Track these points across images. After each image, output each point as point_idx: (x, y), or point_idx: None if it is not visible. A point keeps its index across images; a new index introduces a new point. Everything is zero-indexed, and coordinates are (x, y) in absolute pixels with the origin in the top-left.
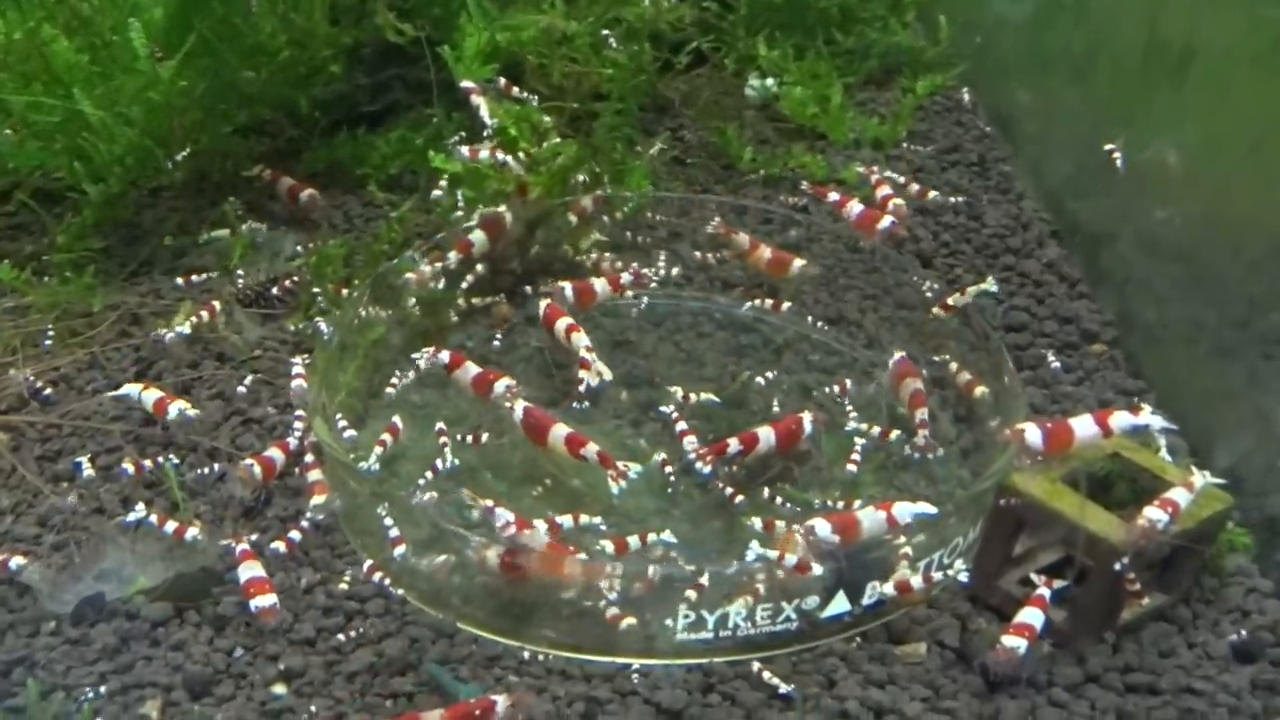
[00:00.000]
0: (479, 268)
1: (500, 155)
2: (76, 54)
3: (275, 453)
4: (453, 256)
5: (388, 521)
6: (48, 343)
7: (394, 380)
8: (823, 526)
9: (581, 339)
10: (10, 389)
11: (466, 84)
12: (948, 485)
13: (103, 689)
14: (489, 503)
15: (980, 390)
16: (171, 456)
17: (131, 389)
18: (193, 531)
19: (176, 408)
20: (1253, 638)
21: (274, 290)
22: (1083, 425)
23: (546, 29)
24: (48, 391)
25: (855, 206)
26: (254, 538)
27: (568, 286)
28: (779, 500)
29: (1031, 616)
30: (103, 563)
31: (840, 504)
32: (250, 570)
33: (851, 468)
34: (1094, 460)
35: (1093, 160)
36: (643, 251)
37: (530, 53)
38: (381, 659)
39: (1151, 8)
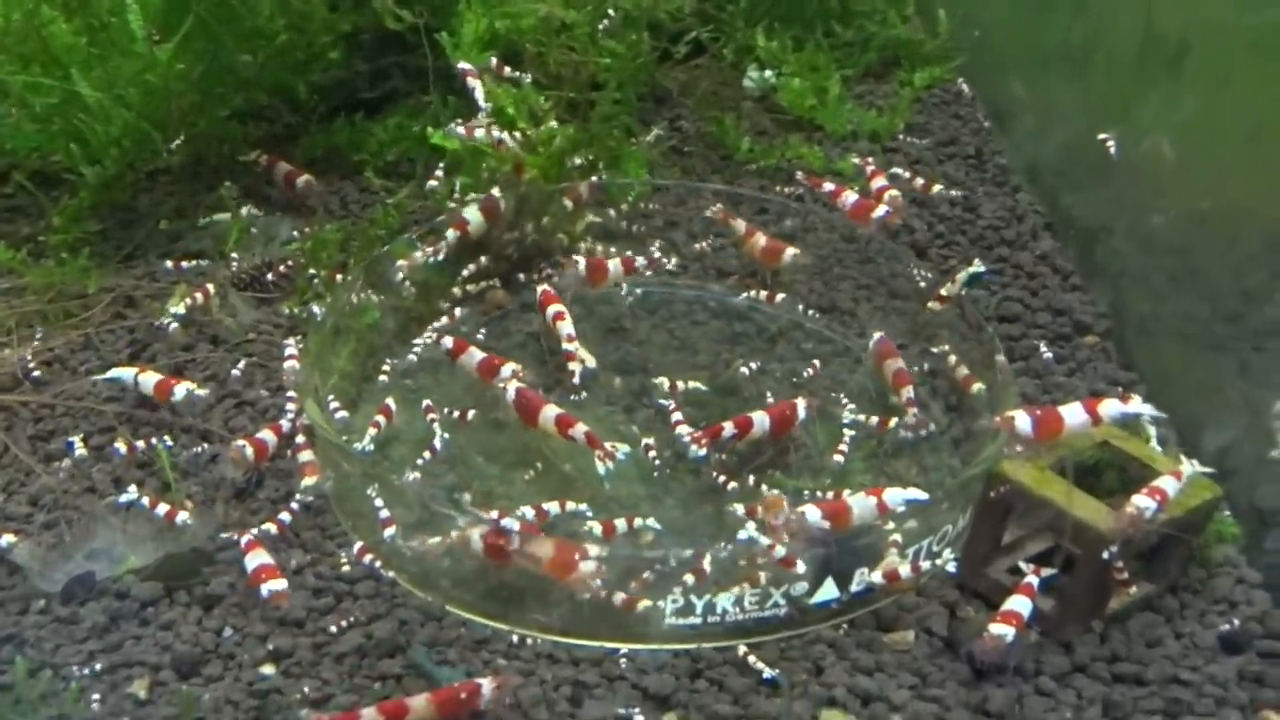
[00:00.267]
0: (480, 261)
1: (496, 133)
2: (74, 36)
3: (267, 434)
4: (450, 235)
5: (378, 503)
6: (38, 337)
7: (386, 365)
8: (813, 512)
9: (566, 327)
10: (4, 369)
11: (463, 65)
12: (939, 473)
13: (102, 667)
14: (494, 513)
15: (977, 386)
16: (165, 438)
17: (124, 372)
18: (183, 515)
19: (184, 388)
20: (1240, 628)
21: (269, 276)
22: (1072, 413)
23: (545, 17)
24: (36, 373)
25: (850, 196)
26: (255, 530)
27: (581, 261)
28: (764, 488)
29: (1019, 604)
30: (93, 542)
31: (830, 493)
32: (258, 558)
33: (839, 458)
34: (1083, 449)
35: (1088, 154)
36: (637, 240)
37: (529, 40)
38: (370, 641)
39: (1148, 2)
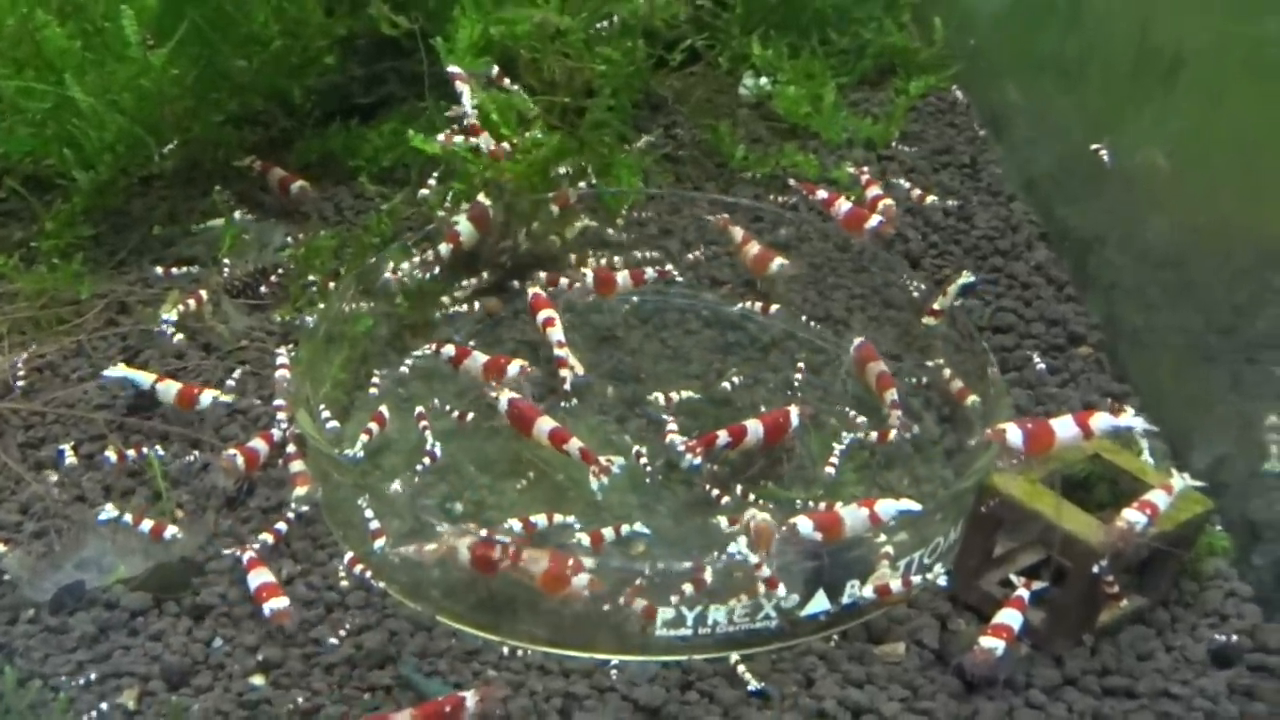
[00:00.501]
0: (479, 275)
1: (474, 139)
2: (68, 40)
3: (259, 443)
4: (443, 248)
5: (369, 513)
6: (30, 345)
7: (377, 375)
8: (805, 524)
9: (556, 333)
10: None
11: (453, 69)
12: (931, 485)
13: (91, 677)
14: (481, 530)
15: (972, 399)
16: (157, 447)
17: (139, 376)
18: (171, 530)
19: (209, 395)
20: (1232, 642)
21: (262, 288)
22: (1064, 426)
23: (540, 23)
24: (20, 382)
25: (843, 204)
26: (256, 547)
27: (589, 274)
28: (752, 498)
29: (1010, 618)
30: (83, 551)
31: (822, 503)
32: (260, 577)
33: (830, 470)
34: (1074, 462)
35: (1082, 165)
36: (627, 249)
37: (524, 47)
38: (360, 651)
39: (1143, 14)
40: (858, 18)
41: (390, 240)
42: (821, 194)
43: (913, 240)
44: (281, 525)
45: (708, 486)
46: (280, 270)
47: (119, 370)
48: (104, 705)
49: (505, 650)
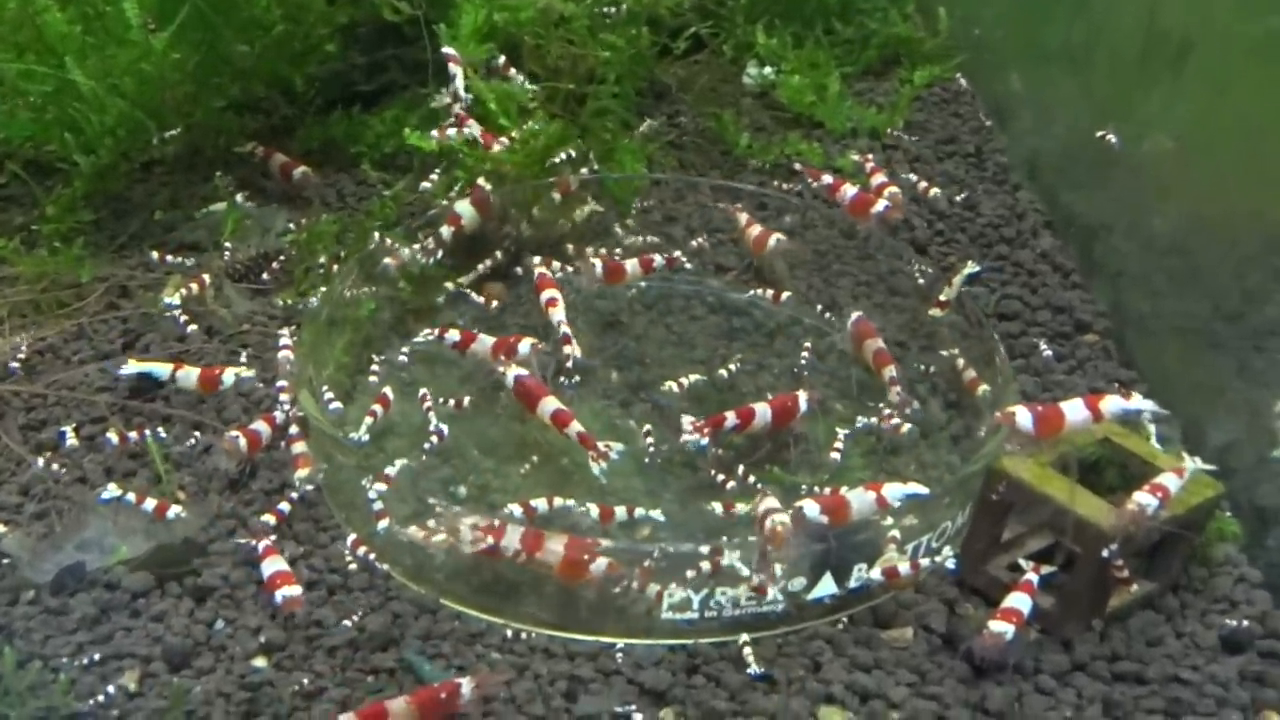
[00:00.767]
0: (488, 259)
1: (467, 130)
2: (69, 25)
3: (261, 425)
4: (445, 231)
5: (372, 495)
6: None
7: (377, 359)
8: (812, 507)
9: (558, 314)
10: None
11: (448, 50)
12: (937, 470)
13: (94, 657)
14: (489, 536)
15: (983, 388)
16: (159, 429)
17: (157, 367)
18: (175, 509)
19: (232, 374)
20: (1243, 628)
21: (264, 275)
22: (1073, 409)
23: (544, 9)
24: (15, 364)
25: (849, 190)
26: (261, 523)
27: (598, 263)
28: (753, 480)
29: (1019, 602)
30: (84, 532)
31: (827, 488)
32: (274, 565)
33: (835, 455)
34: (1084, 445)
35: (1088, 152)
36: (634, 234)
37: (527, 33)
38: (363, 634)
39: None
40: (862, 8)
41: (393, 225)
42: (827, 179)
43: (918, 228)
44: (284, 506)
45: (713, 471)
46: (282, 255)
47: (133, 366)
48: (106, 687)
49: (509, 633)
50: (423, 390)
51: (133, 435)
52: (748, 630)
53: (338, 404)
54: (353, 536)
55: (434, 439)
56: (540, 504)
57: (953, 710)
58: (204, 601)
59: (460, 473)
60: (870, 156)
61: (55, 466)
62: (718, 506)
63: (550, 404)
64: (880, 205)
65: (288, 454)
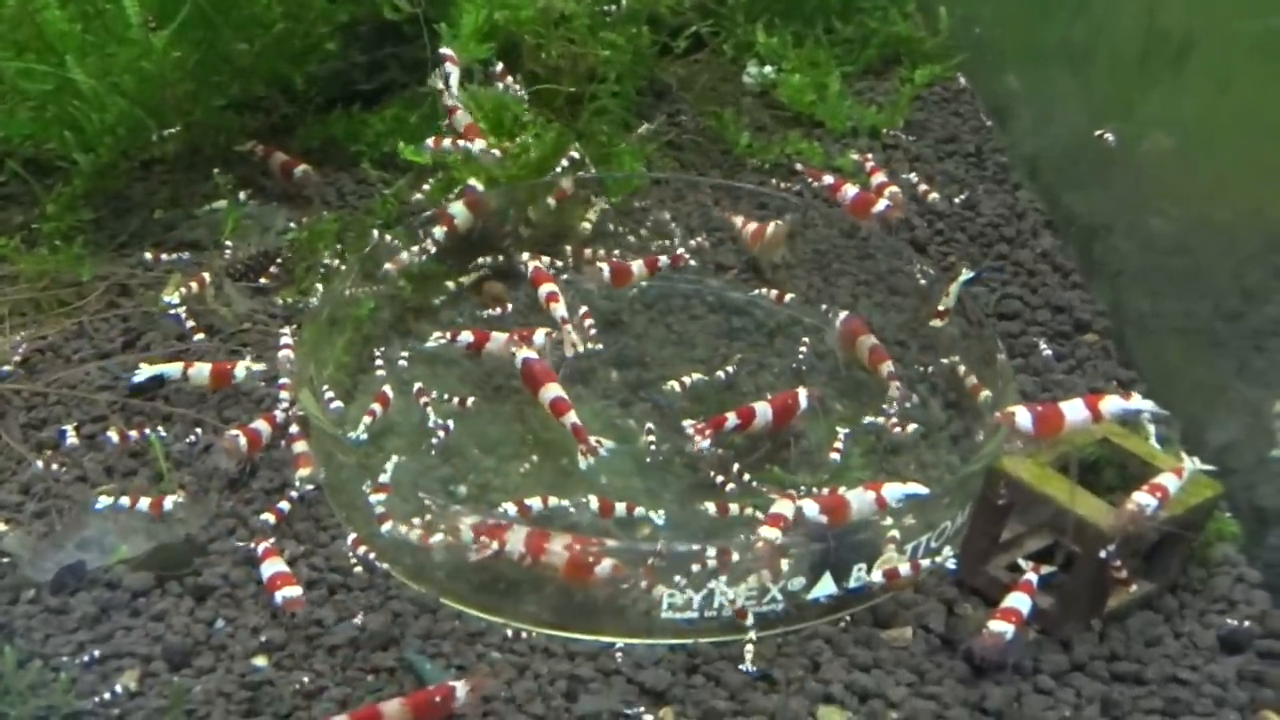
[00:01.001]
0: (485, 258)
1: (463, 143)
2: (69, 23)
3: (261, 425)
4: (438, 232)
5: (373, 499)
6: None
7: (379, 354)
8: (811, 507)
9: (560, 309)
10: None
11: (445, 50)
12: (937, 470)
13: (95, 654)
14: (494, 544)
15: (985, 394)
16: (159, 428)
17: (168, 368)
18: (171, 500)
19: (243, 368)
20: (1242, 628)
21: (265, 275)
22: (1073, 409)
23: (545, 8)
24: (11, 362)
25: (850, 190)
26: (260, 522)
27: (605, 267)
28: (752, 480)
29: (1019, 601)
30: (85, 531)
31: (825, 488)
32: (274, 566)
33: (835, 455)
34: (1083, 445)
35: (1089, 152)
36: (629, 235)
37: (527, 32)
38: (363, 633)
39: None
40: (863, 6)
41: (393, 223)
42: (828, 179)
43: (919, 228)
44: (284, 504)
45: (712, 473)
46: (282, 254)
47: (147, 370)
48: (108, 685)
49: (509, 632)
50: (418, 385)
51: (133, 434)
52: (747, 631)
53: (339, 403)
54: (353, 536)
55: (440, 434)
56: (535, 503)
57: (952, 710)
58: (204, 601)
59: (461, 472)
60: (870, 156)
61: (55, 465)
62: (711, 507)
63: (552, 390)
64: (881, 205)
65: (288, 453)
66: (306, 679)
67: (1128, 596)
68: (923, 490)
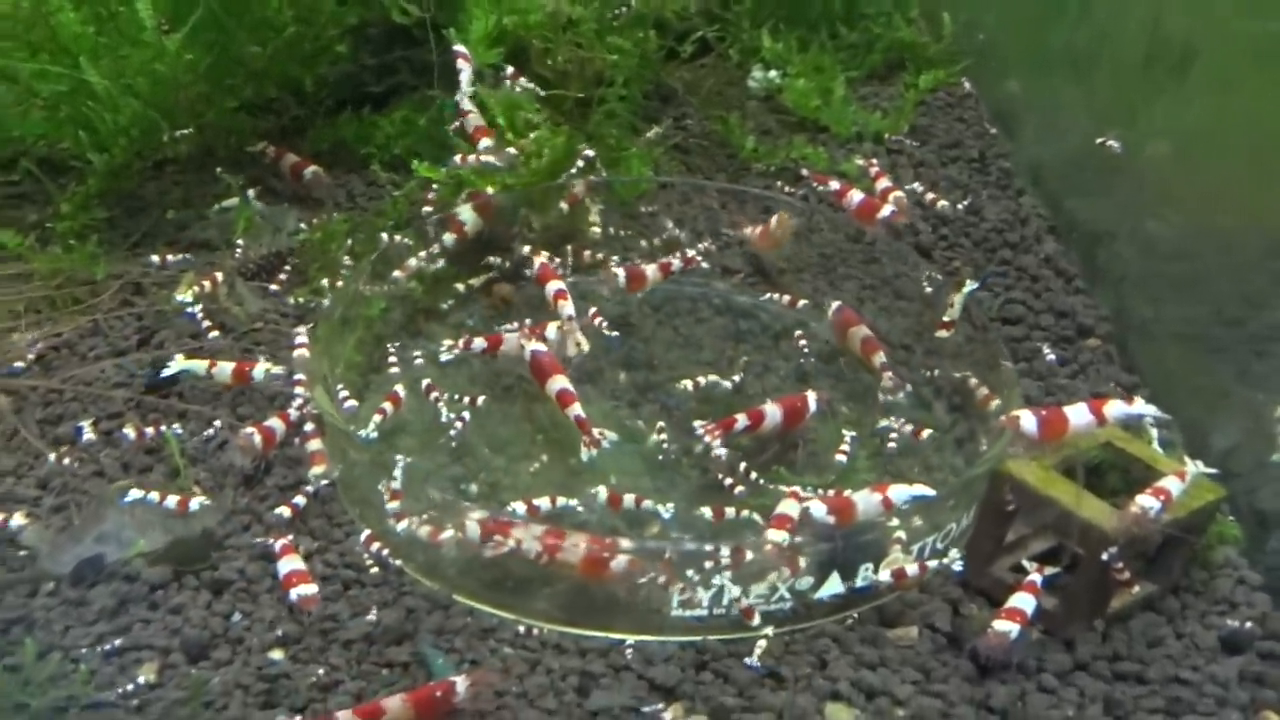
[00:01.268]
0: (494, 261)
1: (485, 158)
2: (82, 25)
3: (275, 422)
4: (447, 238)
5: (385, 495)
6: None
7: (393, 356)
8: (819, 508)
9: (567, 307)
10: (12, 354)
11: (458, 48)
12: (942, 473)
13: (114, 645)
14: (510, 542)
15: (995, 403)
16: (175, 425)
17: (195, 364)
18: (197, 500)
19: (262, 369)
20: (1243, 630)
21: (278, 275)
22: (1077, 413)
23: (553, 13)
24: (24, 361)
25: (856, 195)
26: (274, 516)
27: (620, 272)
28: (756, 480)
29: (1023, 601)
30: (102, 525)
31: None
32: (290, 564)
33: (841, 457)
34: (1087, 449)
35: (1092, 159)
36: (634, 237)
37: (535, 36)
38: (378, 628)
39: (1156, 6)
40: (867, 12)
41: (404, 225)
42: (834, 184)
43: (923, 233)
44: (300, 499)
45: (720, 475)
46: (293, 254)
47: (178, 364)
48: (125, 677)
49: (521, 628)
50: (427, 380)
51: (149, 430)
52: (755, 629)
53: (353, 402)
54: (366, 532)
55: (458, 425)
56: (543, 503)
57: (957, 708)
58: (221, 594)
59: (471, 471)
60: (874, 161)
61: (70, 461)
62: (707, 512)
63: (559, 382)
64: (887, 210)
65: (302, 451)
66: (322, 672)
67: (1130, 598)
68: (929, 492)
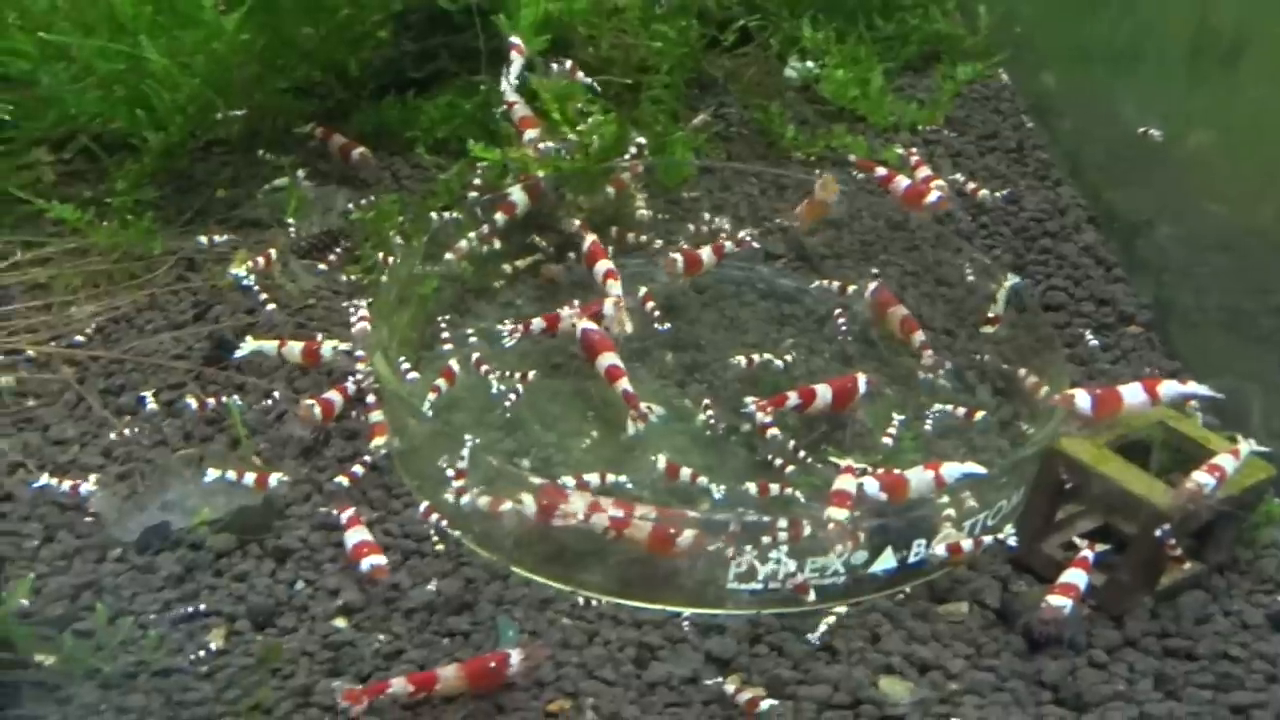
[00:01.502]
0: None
1: (544, 145)
2: (138, 4)
3: (334, 395)
4: (498, 218)
5: (447, 464)
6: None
7: (445, 333)
8: (872, 484)
9: (616, 286)
10: (73, 325)
11: (513, 39)
12: (986, 455)
13: (185, 610)
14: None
15: (1044, 390)
16: (235, 396)
17: (265, 344)
18: (276, 476)
19: (330, 347)
20: None
21: (327, 255)
22: (1131, 392)
23: (598, 1)
24: (80, 338)
25: (903, 181)
26: (342, 485)
27: (679, 257)
28: (805, 458)
29: (1076, 577)
30: (166, 494)
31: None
32: (357, 535)
33: (888, 440)
34: (1140, 428)
35: (1131, 150)
36: (680, 221)
37: (580, 24)
38: (439, 597)
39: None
40: (903, 4)
41: (454, 205)
42: (880, 171)
43: (963, 222)
44: (358, 468)
45: (770, 454)
46: (344, 233)
47: (250, 345)
48: (194, 644)
49: (580, 599)
50: (476, 355)
51: (210, 401)
52: (808, 603)
53: (414, 373)
54: (425, 504)
55: (509, 400)
56: (593, 478)
57: (1009, 682)
58: (284, 562)
59: (524, 446)
60: (914, 150)
61: (131, 430)
62: (752, 487)
63: (609, 358)
64: (933, 196)
65: (359, 423)
66: (385, 639)
67: (1179, 575)
68: (980, 470)
